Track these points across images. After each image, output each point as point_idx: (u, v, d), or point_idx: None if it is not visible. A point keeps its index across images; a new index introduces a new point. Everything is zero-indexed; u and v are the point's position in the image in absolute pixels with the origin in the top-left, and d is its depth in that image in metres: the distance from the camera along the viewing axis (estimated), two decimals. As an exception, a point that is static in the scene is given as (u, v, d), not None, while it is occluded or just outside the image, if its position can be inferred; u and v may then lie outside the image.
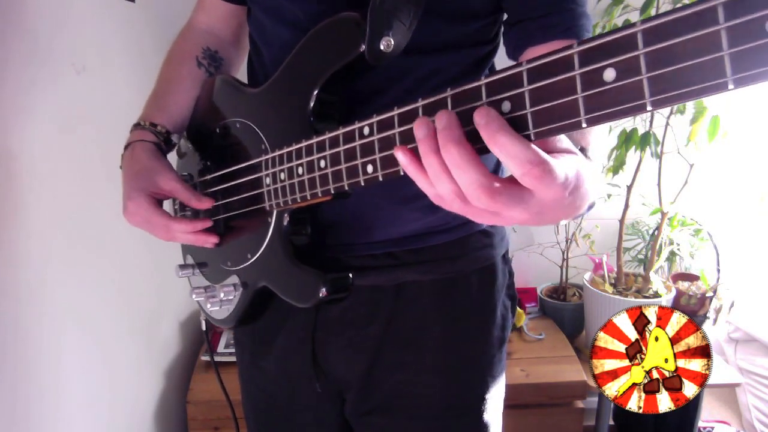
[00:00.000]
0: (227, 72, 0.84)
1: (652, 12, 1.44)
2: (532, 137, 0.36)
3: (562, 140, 0.41)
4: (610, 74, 0.31)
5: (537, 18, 0.60)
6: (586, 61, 0.32)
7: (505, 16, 0.65)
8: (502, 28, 0.66)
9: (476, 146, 0.38)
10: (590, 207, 0.46)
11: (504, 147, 0.35)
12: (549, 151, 0.39)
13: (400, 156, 0.41)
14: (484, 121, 0.36)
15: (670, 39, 0.29)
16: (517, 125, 0.36)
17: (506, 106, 0.36)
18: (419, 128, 0.39)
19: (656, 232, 1.62)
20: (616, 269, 1.64)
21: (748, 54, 0.26)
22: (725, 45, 0.27)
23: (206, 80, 0.78)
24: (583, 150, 0.49)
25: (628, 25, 0.30)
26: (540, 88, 0.35)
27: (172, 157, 0.82)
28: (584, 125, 0.33)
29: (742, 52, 0.26)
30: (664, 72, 0.29)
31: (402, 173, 0.44)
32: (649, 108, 0.30)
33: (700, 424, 1.67)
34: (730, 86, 0.27)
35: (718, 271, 1.68)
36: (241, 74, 0.80)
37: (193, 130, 0.80)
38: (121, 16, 1.27)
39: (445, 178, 0.39)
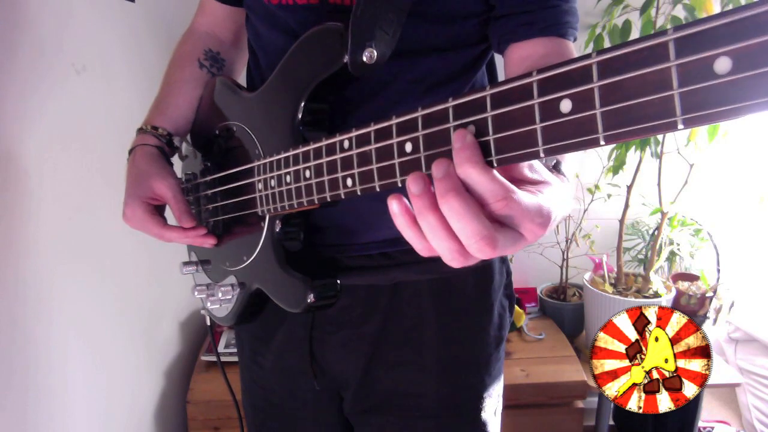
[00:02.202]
0: (230, 73, 0.85)
1: (652, 12, 1.44)
2: (495, 164, 0.35)
3: (535, 169, 0.39)
4: (566, 105, 0.31)
5: (520, 14, 0.59)
6: (545, 90, 0.32)
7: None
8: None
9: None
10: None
11: (470, 178, 0.35)
12: (518, 180, 0.38)
13: (395, 206, 0.38)
14: (458, 144, 0.35)
15: (623, 73, 0.28)
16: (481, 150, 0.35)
17: (471, 129, 0.36)
18: (415, 183, 0.37)
19: (656, 232, 1.62)
20: (616, 269, 1.64)
21: (698, 94, 0.25)
22: (675, 83, 0.26)
23: (208, 81, 0.79)
24: (557, 164, 0.48)
25: (584, 55, 0.30)
26: (502, 115, 0.34)
27: (177, 159, 0.82)
28: (542, 155, 0.32)
29: (691, 92, 0.25)
30: (616, 107, 0.28)
31: (377, 189, 0.43)
32: (602, 143, 0.29)
33: (700, 424, 1.67)
34: (680, 126, 0.26)
35: (718, 271, 1.68)
36: (243, 76, 0.81)
37: (196, 130, 0.81)
38: (120, 15, 1.27)
39: (443, 235, 0.36)
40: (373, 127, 0.43)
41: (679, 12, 1.42)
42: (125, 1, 1.29)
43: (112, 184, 1.09)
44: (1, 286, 0.85)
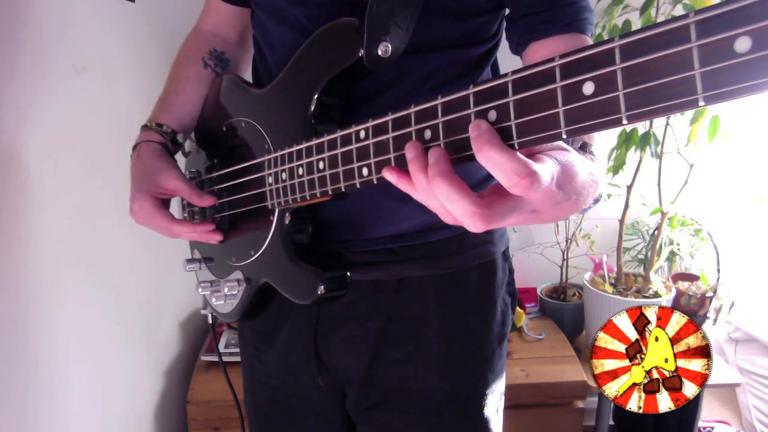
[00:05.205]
0: (234, 71, 0.85)
1: (652, 12, 1.44)
2: (516, 146, 0.36)
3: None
4: (589, 88, 0.32)
5: (539, 13, 0.60)
6: (567, 74, 0.33)
7: (507, 12, 0.65)
8: (505, 24, 0.67)
9: (468, 153, 0.38)
10: (596, 200, 0.47)
11: (491, 160, 0.36)
12: (537, 151, 0.40)
13: (389, 176, 0.42)
14: (475, 133, 0.36)
15: (645, 55, 0.29)
16: (502, 134, 0.37)
17: (492, 115, 0.37)
18: (409, 150, 0.41)
19: (656, 232, 1.62)
20: (616, 269, 1.64)
21: (718, 73, 0.27)
22: (697, 63, 0.27)
23: (214, 79, 0.80)
24: (584, 145, 0.49)
25: (607, 39, 0.31)
26: (523, 99, 0.35)
27: (180, 156, 0.82)
28: (564, 136, 0.34)
29: (712, 71, 0.27)
30: (639, 87, 0.30)
31: None
32: (625, 122, 0.31)
33: (700, 424, 1.67)
34: (701, 103, 0.28)
35: (718, 271, 1.68)
36: (248, 75, 0.81)
37: (201, 127, 0.82)
38: (120, 15, 1.27)
39: (430, 193, 0.40)
40: (390, 116, 0.44)
41: (679, 12, 1.42)
42: (125, 1, 1.29)
43: (112, 184, 1.09)
44: (1, 285, 0.85)
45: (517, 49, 0.64)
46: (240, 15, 0.82)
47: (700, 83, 0.27)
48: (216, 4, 0.82)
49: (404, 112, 0.43)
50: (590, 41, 0.62)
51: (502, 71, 0.73)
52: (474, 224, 0.38)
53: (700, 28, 0.27)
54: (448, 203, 0.38)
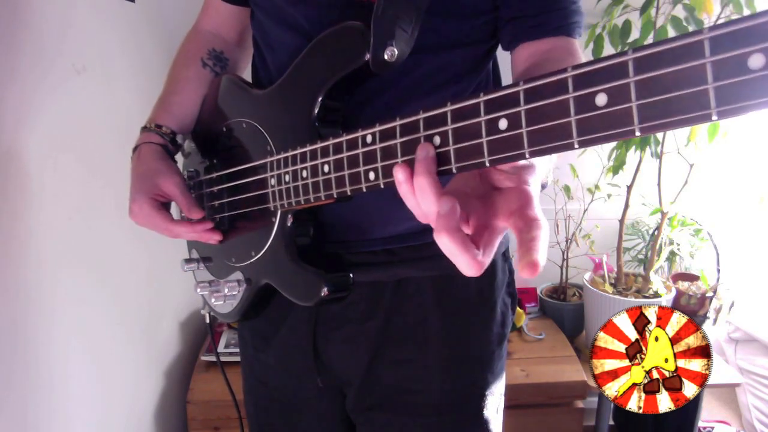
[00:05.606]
0: (233, 71, 0.85)
1: (652, 12, 1.44)
2: (527, 155, 0.36)
3: None
4: (601, 99, 0.32)
5: (530, 17, 0.62)
6: (580, 84, 0.33)
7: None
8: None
9: (477, 161, 0.39)
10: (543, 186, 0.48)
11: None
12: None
13: (400, 174, 0.43)
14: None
15: (659, 69, 0.30)
16: (512, 143, 0.37)
17: (503, 123, 0.37)
18: (421, 150, 0.41)
19: (656, 232, 1.62)
20: (616, 269, 1.64)
21: (732, 88, 0.27)
22: (710, 78, 0.28)
23: (214, 80, 0.80)
24: None
25: (620, 52, 0.31)
26: (535, 109, 0.35)
27: (180, 156, 0.82)
28: (576, 146, 0.34)
29: (725, 86, 0.27)
30: (652, 100, 0.30)
31: None
32: (637, 133, 0.31)
33: (700, 424, 1.67)
34: (714, 117, 0.28)
35: (718, 271, 1.68)
36: (247, 75, 0.81)
37: (200, 128, 0.81)
38: (120, 15, 1.27)
39: (431, 199, 0.41)
40: (398, 122, 0.44)
41: (679, 12, 1.42)
42: (125, 1, 1.29)
43: (112, 184, 1.09)
44: (1, 285, 0.85)
45: (508, 47, 0.66)
46: (239, 15, 0.82)
47: (713, 98, 0.27)
48: (215, 3, 0.82)
49: (413, 118, 0.43)
50: (577, 44, 0.64)
51: (502, 71, 0.74)
52: (470, 273, 0.39)
53: (713, 44, 0.27)
54: (448, 255, 0.39)
